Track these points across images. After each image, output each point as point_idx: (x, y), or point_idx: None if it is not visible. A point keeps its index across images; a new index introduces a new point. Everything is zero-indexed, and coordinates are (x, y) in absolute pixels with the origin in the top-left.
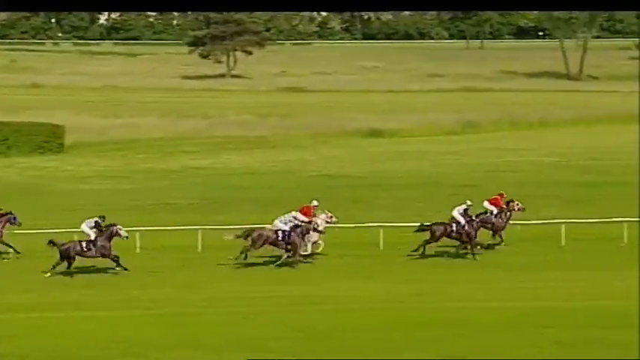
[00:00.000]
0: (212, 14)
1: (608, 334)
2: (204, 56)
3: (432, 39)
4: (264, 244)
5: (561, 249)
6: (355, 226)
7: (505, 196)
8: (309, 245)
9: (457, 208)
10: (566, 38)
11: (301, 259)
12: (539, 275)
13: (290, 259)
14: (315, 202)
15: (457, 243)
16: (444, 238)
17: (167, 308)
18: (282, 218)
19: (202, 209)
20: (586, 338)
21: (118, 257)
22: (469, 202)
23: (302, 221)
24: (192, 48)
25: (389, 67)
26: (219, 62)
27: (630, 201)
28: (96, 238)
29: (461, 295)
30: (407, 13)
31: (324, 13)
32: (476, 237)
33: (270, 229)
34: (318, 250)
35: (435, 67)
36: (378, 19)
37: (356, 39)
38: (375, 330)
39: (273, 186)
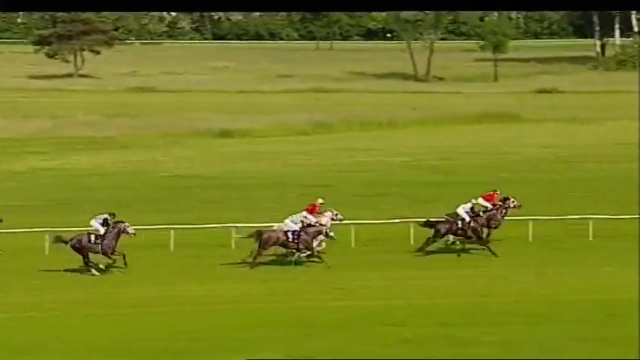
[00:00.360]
0: (59, 13)
1: (453, 332)
2: (50, 55)
3: (283, 40)
4: (273, 245)
5: (410, 248)
6: (207, 227)
7: (499, 192)
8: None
9: (462, 205)
10: (414, 40)
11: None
12: (388, 274)
13: (308, 258)
14: (320, 200)
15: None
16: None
17: (12, 313)
18: (294, 218)
19: (50, 211)
20: (432, 336)
21: (124, 255)
22: (474, 201)
23: (314, 223)
24: (37, 47)
25: (240, 67)
26: (67, 62)
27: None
28: (105, 234)
29: (310, 294)
30: (257, 13)
31: (173, 13)
32: (482, 233)
33: (280, 230)
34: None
35: (286, 68)
36: (228, 19)
37: (206, 39)
38: (228, 330)
39: (124, 187)
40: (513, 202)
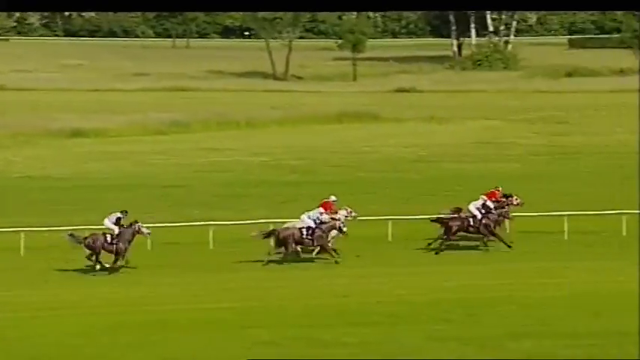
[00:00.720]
0: None
1: (313, 333)
2: None
3: (138, 37)
4: (292, 242)
5: (270, 249)
6: (60, 229)
7: (501, 190)
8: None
9: (473, 202)
10: (272, 38)
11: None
12: (244, 275)
13: (319, 255)
14: (333, 198)
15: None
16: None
17: None
18: (310, 214)
19: None
20: (291, 337)
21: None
22: (484, 197)
23: (328, 219)
24: None
25: (93, 65)
26: None
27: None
28: (120, 233)
29: (166, 297)
30: None
31: None
32: (494, 228)
33: (295, 227)
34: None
35: (141, 66)
36: (80, 15)
37: (57, 36)
38: (82, 335)
39: None
40: (517, 199)
